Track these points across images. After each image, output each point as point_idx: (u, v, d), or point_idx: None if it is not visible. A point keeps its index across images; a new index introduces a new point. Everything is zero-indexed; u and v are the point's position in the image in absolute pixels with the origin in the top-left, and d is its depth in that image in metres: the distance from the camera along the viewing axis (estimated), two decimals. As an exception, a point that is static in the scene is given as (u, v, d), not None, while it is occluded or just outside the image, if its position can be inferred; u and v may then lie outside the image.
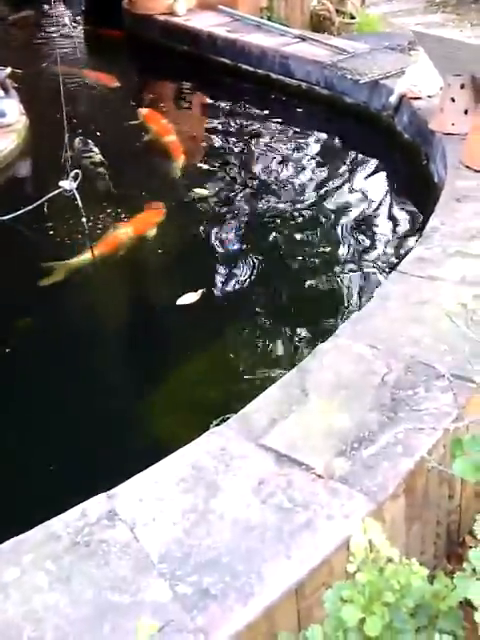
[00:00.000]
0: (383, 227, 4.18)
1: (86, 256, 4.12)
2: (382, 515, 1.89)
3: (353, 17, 8.65)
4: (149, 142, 5.62)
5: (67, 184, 4.11)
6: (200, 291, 3.67)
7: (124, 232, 4.40)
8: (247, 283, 3.83)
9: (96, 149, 5.33)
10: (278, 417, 2.15)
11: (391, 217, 4.31)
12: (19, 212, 4.14)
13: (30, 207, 4.17)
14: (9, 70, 5.78)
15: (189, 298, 3.64)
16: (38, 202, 4.21)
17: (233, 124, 6.02)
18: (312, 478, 1.94)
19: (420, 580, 1.44)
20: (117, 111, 6.26)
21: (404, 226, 4.19)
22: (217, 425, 2.49)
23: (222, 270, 3.95)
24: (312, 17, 8.57)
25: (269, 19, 8.16)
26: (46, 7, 11.19)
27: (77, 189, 4.09)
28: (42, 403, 3.00)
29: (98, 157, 5.09)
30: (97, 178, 4.77)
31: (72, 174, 4.10)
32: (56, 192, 4.15)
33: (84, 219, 4.16)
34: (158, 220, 4.53)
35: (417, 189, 4.69)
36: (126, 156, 5.30)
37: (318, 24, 8.40)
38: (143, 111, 6.18)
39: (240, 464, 1.99)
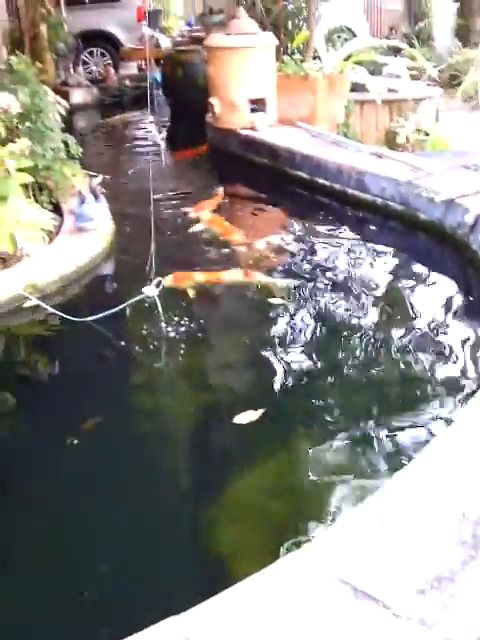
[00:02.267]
0: (458, 349, 4.11)
1: None
2: (462, 662, 1.81)
3: (427, 134, 8.91)
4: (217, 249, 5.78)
5: (149, 290, 4.28)
6: (260, 411, 3.50)
7: None
8: (315, 401, 3.70)
9: (176, 258, 5.52)
10: (354, 548, 2.11)
11: (467, 339, 4.25)
12: (102, 314, 4.32)
13: (113, 310, 4.34)
14: (101, 178, 6.18)
15: (248, 417, 3.47)
16: (121, 306, 4.39)
17: (308, 236, 6.14)
18: (389, 617, 1.88)
19: None
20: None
21: (481, 349, 4.12)
22: (288, 550, 2.46)
23: (289, 385, 3.80)
24: (387, 133, 8.89)
25: (345, 135, 8.51)
26: (134, 114, 12.01)
27: (158, 296, 4.27)
28: (100, 510, 2.96)
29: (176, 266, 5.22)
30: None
31: (155, 281, 4.28)
32: (139, 298, 4.32)
33: (163, 324, 4.31)
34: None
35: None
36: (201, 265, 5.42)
37: (393, 140, 8.69)
38: (205, 216, 6.35)
39: (314, 597, 1.95)
